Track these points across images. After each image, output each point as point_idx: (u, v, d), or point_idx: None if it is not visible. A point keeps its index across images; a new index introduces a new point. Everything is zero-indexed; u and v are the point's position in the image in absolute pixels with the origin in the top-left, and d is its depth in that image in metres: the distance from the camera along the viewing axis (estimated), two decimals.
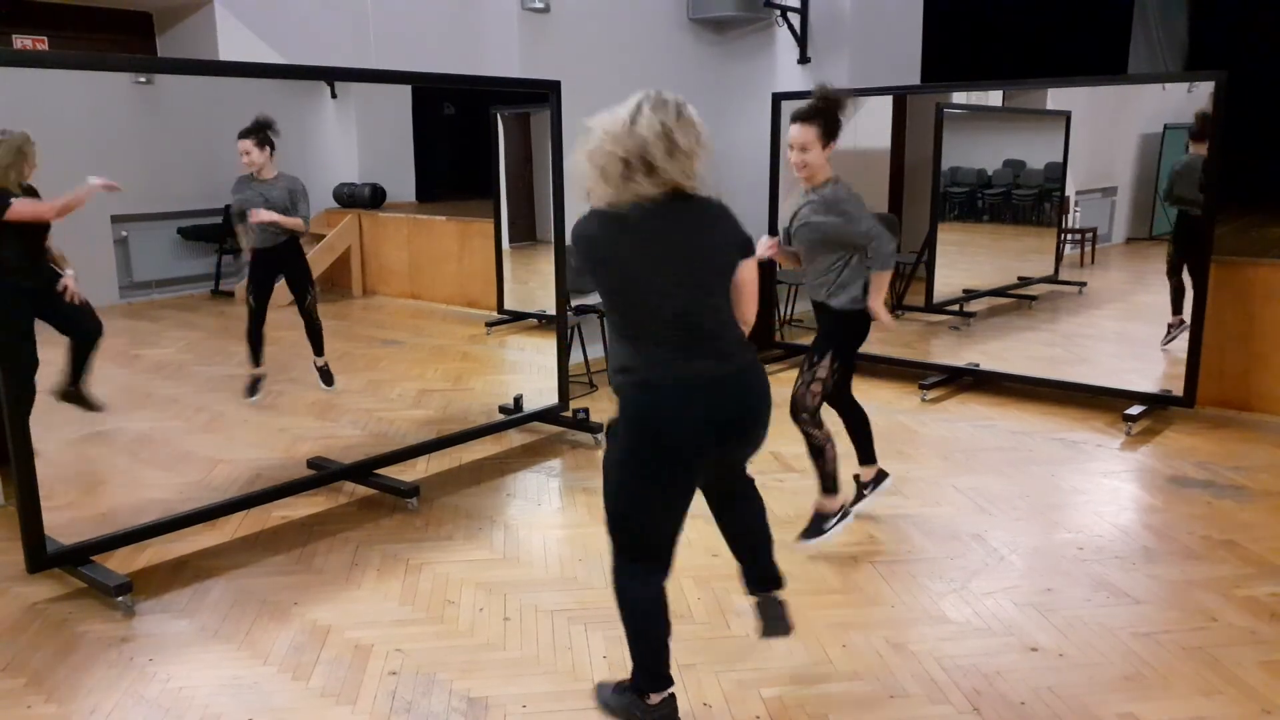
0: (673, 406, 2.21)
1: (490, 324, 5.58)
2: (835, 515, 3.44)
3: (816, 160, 3.23)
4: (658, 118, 2.27)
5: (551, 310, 4.91)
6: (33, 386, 3.46)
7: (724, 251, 2.31)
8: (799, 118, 3.25)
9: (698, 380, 2.23)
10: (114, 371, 3.96)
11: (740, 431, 2.42)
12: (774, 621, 2.62)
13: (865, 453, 3.73)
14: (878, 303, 3.37)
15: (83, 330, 3.75)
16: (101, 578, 3.14)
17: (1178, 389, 4.89)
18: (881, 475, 3.77)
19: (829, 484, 3.44)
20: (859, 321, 3.45)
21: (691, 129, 2.26)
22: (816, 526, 3.44)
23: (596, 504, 3.94)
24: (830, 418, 3.51)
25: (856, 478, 3.74)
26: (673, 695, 2.41)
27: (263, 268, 4.22)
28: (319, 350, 4.51)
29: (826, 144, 3.22)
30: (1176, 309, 5.20)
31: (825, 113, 3.20)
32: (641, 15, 6.27)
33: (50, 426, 3.74)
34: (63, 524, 3.32)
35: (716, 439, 2.32)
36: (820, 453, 3.41)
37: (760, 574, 2.65)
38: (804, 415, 3.37)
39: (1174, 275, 5.22)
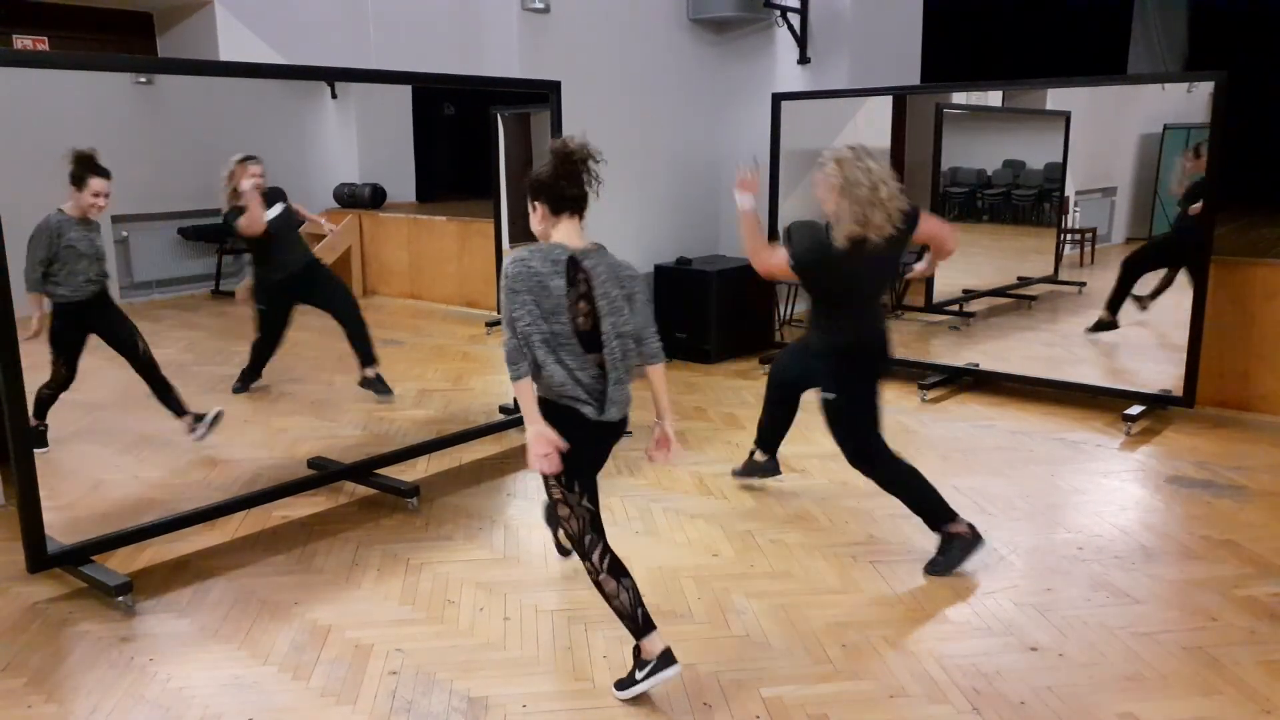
0: None
1: (490, 324, 5.58)
2: None
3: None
4: None
5: None
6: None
7: None
8: None
9: None
10: (115, 372, 3.96)
11: None
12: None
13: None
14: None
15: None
16: (102, 577, 3.14)
17: (1177, 389, 4.89)
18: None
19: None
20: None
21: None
22: None
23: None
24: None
25: None
26: (972, 525, 3.30)
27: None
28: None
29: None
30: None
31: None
32: (641, 15, 6.27)
33: (51, 427, 3.75)
34: (63, 524, 3.32)
35: None
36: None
37: None
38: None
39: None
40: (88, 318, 3.75)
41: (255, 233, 4.09)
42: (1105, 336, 5.92)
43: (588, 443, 2.58)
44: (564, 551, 3.36)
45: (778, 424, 4.03)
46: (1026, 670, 2.71)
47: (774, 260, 3.34)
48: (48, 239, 3.52)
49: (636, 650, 2.59)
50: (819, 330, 3.43)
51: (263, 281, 4.23)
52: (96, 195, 3.54)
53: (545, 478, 2.58)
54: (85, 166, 3.52)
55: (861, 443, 3.37)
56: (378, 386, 4.38)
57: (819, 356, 3.41)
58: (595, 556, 2.58)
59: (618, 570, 2.59)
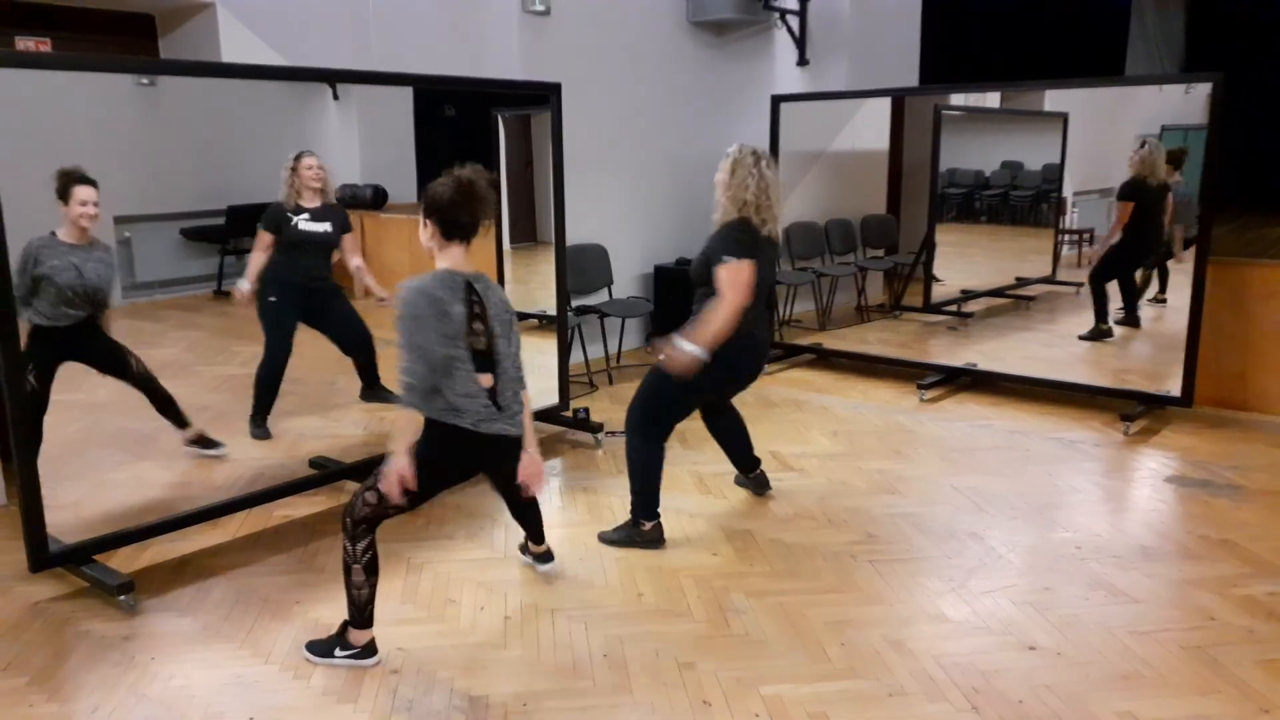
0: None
1: None
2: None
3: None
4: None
5: (552, 310, 4.93)
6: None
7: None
8: None
9: None
10: None
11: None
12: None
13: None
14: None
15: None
16: (104, 577, 3.15)
17: (1175, 389, 4.91)
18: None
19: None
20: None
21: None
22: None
23: (596, 503, 3.97)
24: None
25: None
26: (660, 524, 3.53)
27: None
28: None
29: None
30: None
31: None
32: (641, 18, 6.29)
33: (52, 426, 3.76)
34: (65, 523, 3.33)
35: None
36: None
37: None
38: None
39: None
40: (64, 345, 3.57)
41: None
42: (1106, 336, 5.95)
43: (464, 461, 2.78)
44: (526, 551, 3.40)
45: (731, 445, 4.02)
46: (1025, 669, 2.72)
47: (728, 277, 3.29)
48: (20, 265, 3.31)
49: (344, 629, 2.78)
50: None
51: (271, 279, 4.14)
52: (84, 204, 3.41)
53: (386, 470, 2.63)
54: (68, 178, 3.41)
55: (657, 410, 3.53)
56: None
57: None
58: (361, 546, 2.70)
59: (372, 568, 2.73)
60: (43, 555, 3.12)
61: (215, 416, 4.40)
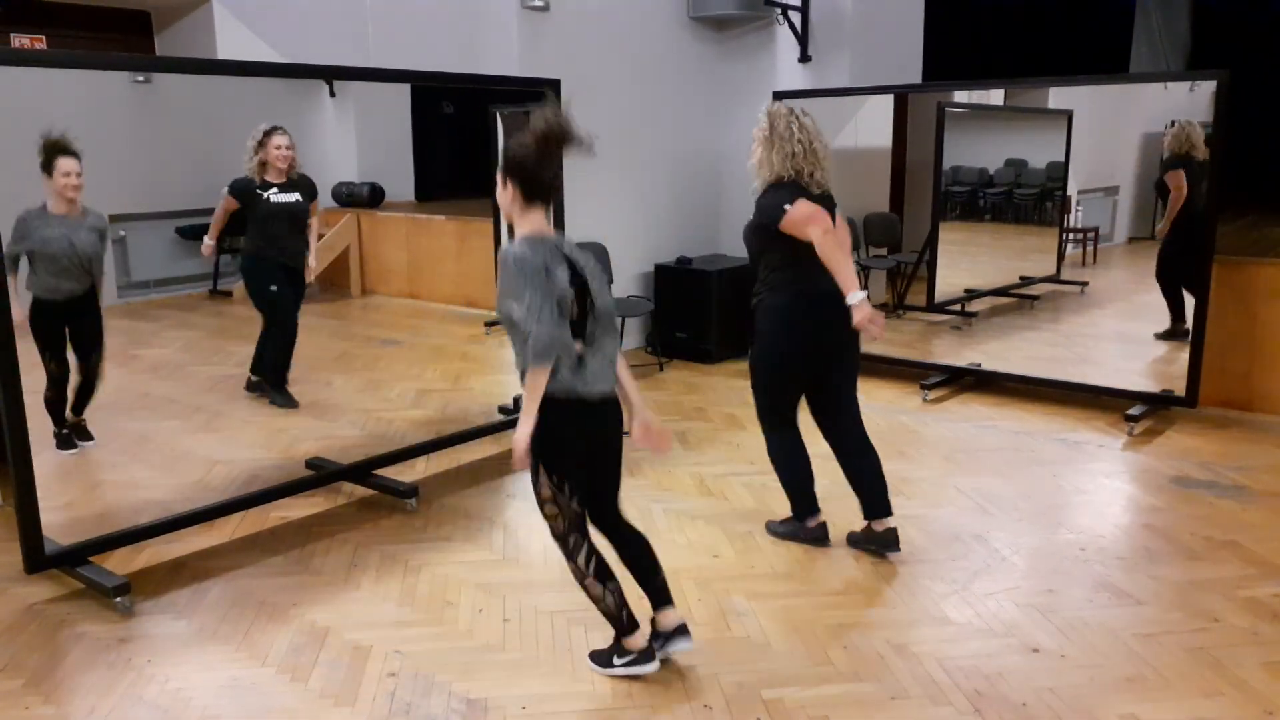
0: None
1: (489, 324, 5.57)
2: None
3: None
4: None
5: None
6: None
7: None
8: None
9: None
10: (112, 371, 3.95)
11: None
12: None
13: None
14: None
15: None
16: (100, 578, 3.13)
17: (1180, 389, 4.87)
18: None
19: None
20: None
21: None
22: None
23: None
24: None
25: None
26: (824, 522, 3.48)
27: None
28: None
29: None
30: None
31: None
32: (641, 13, 6.25)
33: (50, 427, 3.74)
34: (61, 524, 3.31)
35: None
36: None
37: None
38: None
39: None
40: (63, 317, 3.68)
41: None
42: (1107, 336, 5.91)
43: (580, 435, 2.53)
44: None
45: (856, 480, 3.56)
46: (1028, 671, 2.70)
47: (813, 215, 3.06)
48: (14, 235, 3.40)
49: (618, 639, 2.64)
50: (769, 292, 3.27)
51: (255, 260, 4.12)
52: (66, 175, 3.42)
53: (535, 476, 2.54)
54: (52, 150, 3.41)
55: (767, 405, 3.40)
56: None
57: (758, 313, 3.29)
58: (581, 559, 2.57)
59: (604, 574, 2.59)
60: (38, 557, 3.10)
61: (211, 417, 4.39)
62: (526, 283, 2.34)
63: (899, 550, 3.40)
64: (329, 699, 2.61)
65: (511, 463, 2.50)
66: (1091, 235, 6.20)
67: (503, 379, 5.31)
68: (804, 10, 6.45)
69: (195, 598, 3.18)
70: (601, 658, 2.71)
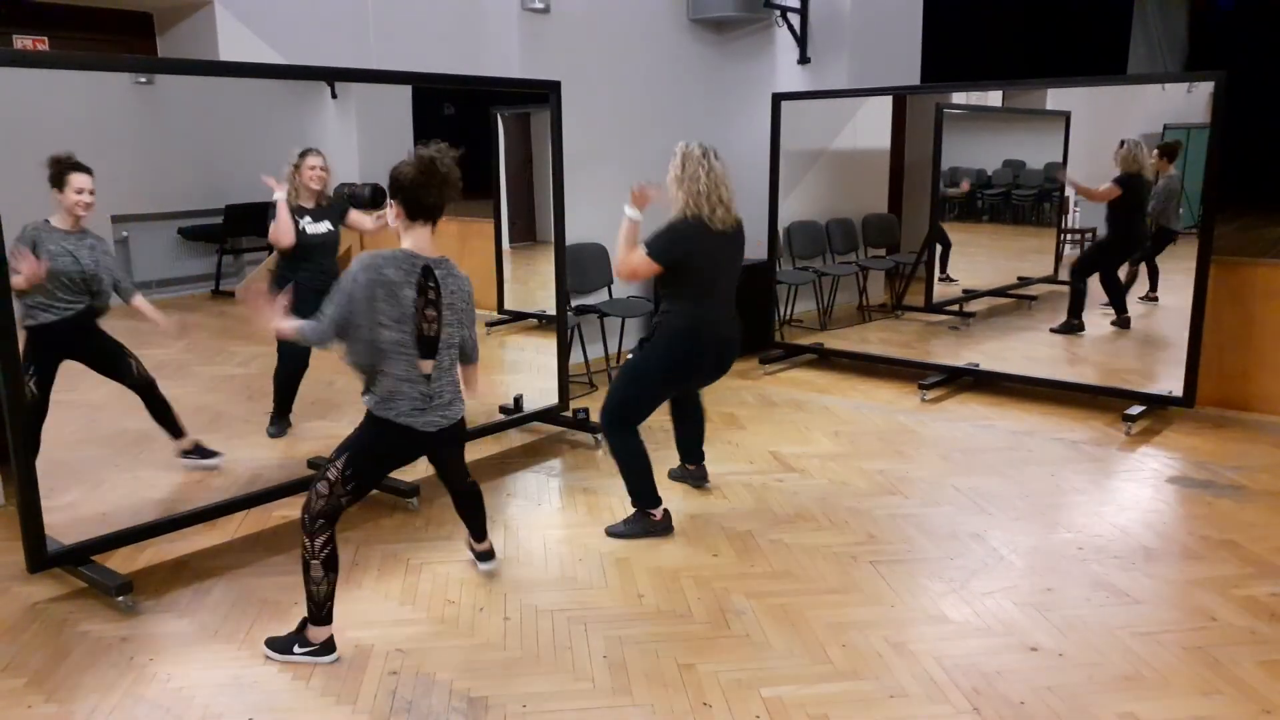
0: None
1: (490, 324, 5.58)
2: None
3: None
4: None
5: (551, 310, 4.92)
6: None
7: None
8: None
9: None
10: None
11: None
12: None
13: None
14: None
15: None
16: (102, 577, 3.14)
17: (1177, 389, 4.89)
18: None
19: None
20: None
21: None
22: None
23: (596, 504, 3.95)
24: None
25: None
26: (667, 511, 3.64)
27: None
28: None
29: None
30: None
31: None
32: (641, 15, 6.27)
33: (49, 427, 3.74)
34: (63, 524, 3.32)
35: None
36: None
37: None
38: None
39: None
40: (64, 342, 3.55)
41: (282, 245, 4.00)
42: (1105, 336, 5.93)
43: (400, 451, 2.82)
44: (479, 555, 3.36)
45: (685, 432, 4.09)
46: (1026, 670, 2.71)
47: (634, 258, 3.48)
48: (27, 247, 3.32)
49: (303, 626, 2.79)
50: (664, 315, 3.58)
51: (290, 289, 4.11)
52: (80, 192, 3.40)
53: (333, 458, 2.73)
54: (63, 165, 3.40)
55: (625, 405, 3.61)
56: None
57: (656, 331, 3.59)
58: (319, 541, 2.71)
59: (331, 564, 2.73)
60: (41, 556, 3.11)
61: (213, 418, 4.39)
62: (338, 295, 2.60)
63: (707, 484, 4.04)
64: (330, 697, 2.62)
65: (242, 302, 2.72)
66: (1089, 236, 6.22)
67: (503, 379, 5.33)
68: (803, 12, 6.47)
69: (197, 597, 3.19)
70: (280, 644, 2.80)
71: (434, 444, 2.85)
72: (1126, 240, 5.53)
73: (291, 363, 4.18)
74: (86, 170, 3.45)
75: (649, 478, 3.62)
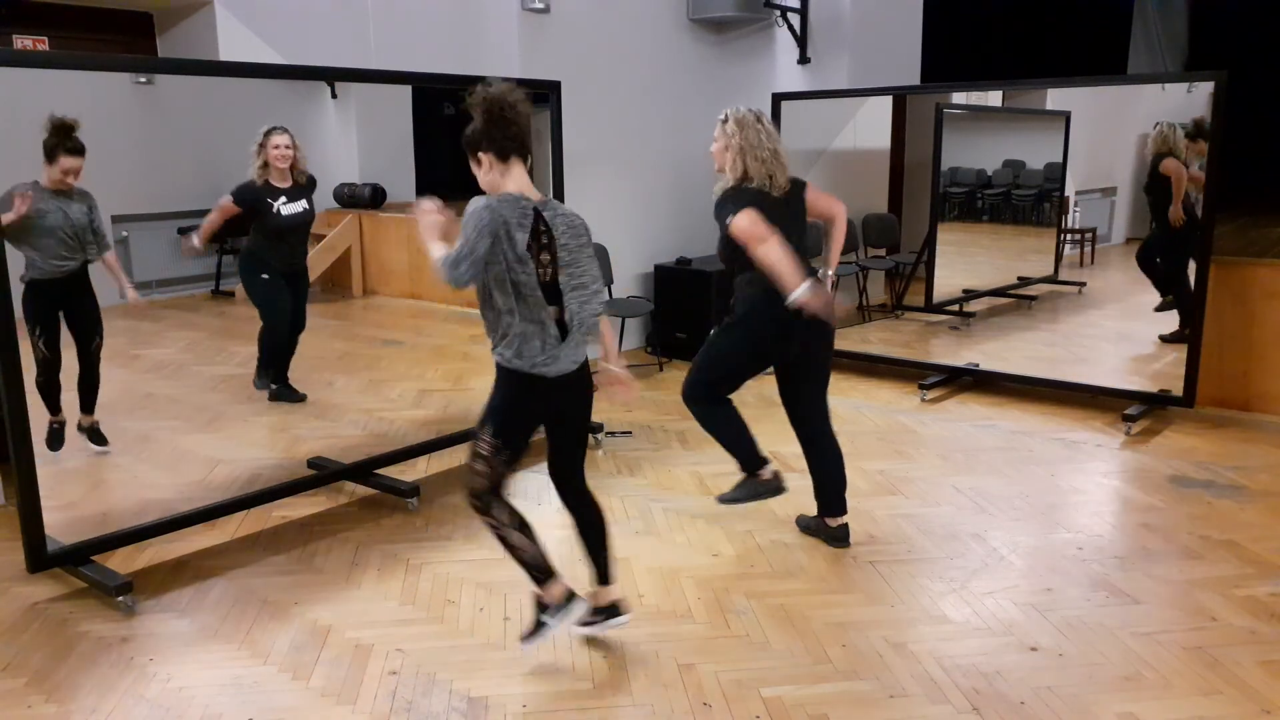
0: None
1: None
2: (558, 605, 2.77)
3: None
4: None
5: None
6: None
7: None
8: None
9: None
10: (114, 371, 3.96)
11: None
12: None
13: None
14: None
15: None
16: (102, 577, 3.14)
17: (1177, 389, 4.89)
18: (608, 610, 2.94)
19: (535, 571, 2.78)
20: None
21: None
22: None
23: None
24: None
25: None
26: (777, 472, 3.45)
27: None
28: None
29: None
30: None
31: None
32: (641, 15, 6.27)
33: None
34: (63, 524, 3.32)
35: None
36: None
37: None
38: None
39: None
40: (60, 296, 3.68)
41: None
42: (1105, 337, 5.93)
43: (535, 402, 2.63)
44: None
45: (819, 477, 3.67)
46: (1026, 670, 2.71)
47: (753, 230, 3.15)
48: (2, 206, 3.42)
49: (539, 602, 2.72)
50: (741, 287, 3.37)
51: (258, 261, 4.11)
52: (66, 173, 3.46)
53: (480, 430, 2.62)
54: (59, 140, 3.43)
55: (709, 385, 3.45)
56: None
57: (736, 305, 3.39)
58: (500, 513, 2.64)
59: (522, 524, 2.67)
60: (41, 555, 3.11)
61: (213, 418, 4.40)
62: (466, 232, 2.45)
63: (848, 545, 3.52)
64: (331, 697, 2.62)
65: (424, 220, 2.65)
66: (1089, 236, 6.22)
67: None
68: (803, 12, 6.47)
69: (197, 596, 3.19)
70: (532, 632, 2.72)
71: (559, 394, 2.62)
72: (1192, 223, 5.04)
73: (270, 318, 4.14)
74: (78, 152, 3.48)
75: (746, 440, 3.43)
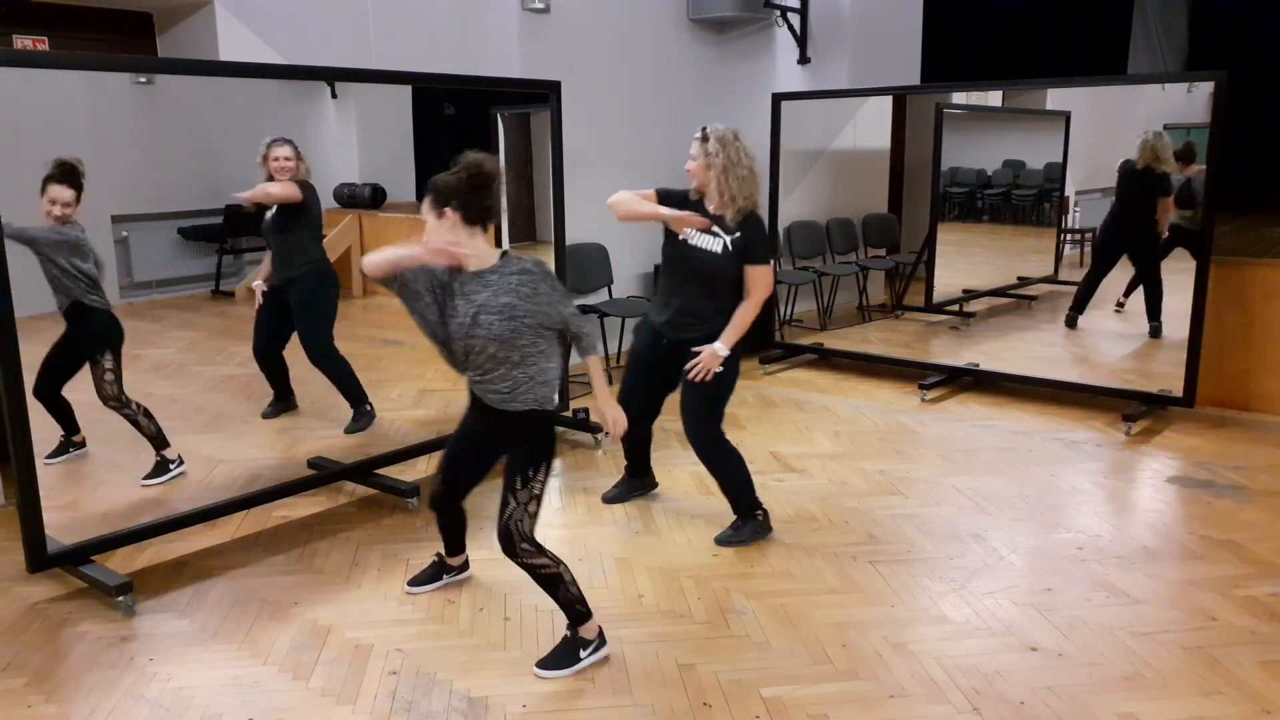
0: None
1: None
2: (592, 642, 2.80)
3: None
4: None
5: None
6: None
7: None
8: None
9: None
10: None
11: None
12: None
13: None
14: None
15: None
16: (102, 577, 3.14)
17: (1177, 389, 4.89)
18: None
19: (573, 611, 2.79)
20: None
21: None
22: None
23: (596, 504, 3.95)
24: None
25: None
26: (766, 510, 3.59)
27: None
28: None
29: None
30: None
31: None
32: (641, 15, 6.27)
33: (49, 425, 3.75)
34: (63, 524, 3.32)
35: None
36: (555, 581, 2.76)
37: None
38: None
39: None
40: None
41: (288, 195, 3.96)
42: (1105, 336, 5.93)
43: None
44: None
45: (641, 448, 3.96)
46: (1026, 670, 2.71)
47: (770, 281, 3.42)
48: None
49: (575, 634, 2.75)
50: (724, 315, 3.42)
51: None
52: (53, 203, 3.42)
53: (536, 473, 2.72)
54: (53, 173, 3.40)
55: (715, 421, 3.52)
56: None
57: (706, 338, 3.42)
58: (550, 554, 2.73)
59: (560, 561, 2.74)
60: (41, 556, 3.11)
61: (213, 418, 4.40)
62: (565, 293, 2.72)
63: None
64: (330, 697, 2.62)
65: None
66: (1089, 236, 6.22)
67: None
68: (803, 12, 6.47)
69: (197, 597, 3.20)
70: (558, 661, 2.72)
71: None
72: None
73: (256, 340, 4.14)
74: (73, 185, 3.43)
75: (750, 487, 3.56)
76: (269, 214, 4.06)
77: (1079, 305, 5.78)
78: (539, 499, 2.71)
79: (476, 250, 2.64)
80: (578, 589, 2.75)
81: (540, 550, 2.70)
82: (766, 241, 3.41)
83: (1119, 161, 5.44)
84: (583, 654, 2.74)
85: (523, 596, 3.17)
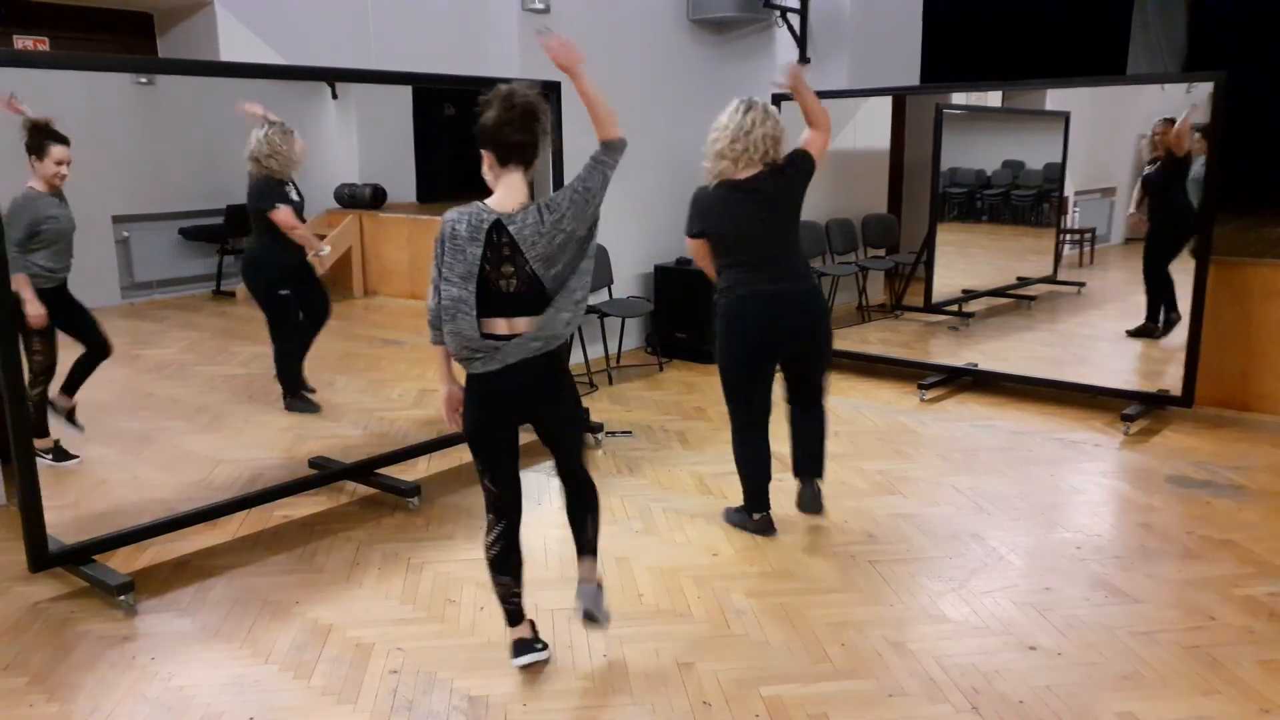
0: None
1: None
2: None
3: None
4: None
5: None
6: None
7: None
8: None
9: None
10: (115, 371, 3.96)
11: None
12: (810, 501, 3.59)
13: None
14: None
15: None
16: (103, 577, 3.15)
17: (1176, 389, 4.90)
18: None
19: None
20: None
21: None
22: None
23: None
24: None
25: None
26: (769, 515, 3.57)
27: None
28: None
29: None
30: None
31: None
32: (641, 16, 6.28)
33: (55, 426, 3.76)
34: (64, 523, 3.33)
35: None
36: None
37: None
38: None
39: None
40: (55, 303, 3.66)
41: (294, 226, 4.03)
42: (1104, 337, 5.93)
43: (486, 417, 2.57)
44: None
45: (797, 444, 3.71)
46: (1025, 670, 2.72)
47: (696, 254, 3.53)
48: (30, 216, 3.40)
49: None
50: (715, 296, 3.51)
51: (278, 281, 4.14)
52: (59, 163, 3.42)
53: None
54: (44, 134, 3.41)
55: (729, 403, 3.53)
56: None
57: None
58: (489, 539, 2.70)
59: (498, 566, 2.70)
60: (42, 555, 3.12)
61: (213, 418, 4.41)
62: (435, 251, 2.44)
63: (820, 513, 3.66)
64: (331, 696, 2.63)
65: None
66: (1088, 236, 6.23)
67: None
68: (803, 12, 6.47)
69: (198, 596, 3.20)
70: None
71: (515, 381, 2.53)
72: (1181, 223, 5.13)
73: (293, 339, 4.17)
74: (64, 141, 3.46)
75: (755, 482, 3.57)
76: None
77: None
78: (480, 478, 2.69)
79: (507, 194, 2.43)
80: (500, 592, 2.76)
81: (486, 529, 2.74)
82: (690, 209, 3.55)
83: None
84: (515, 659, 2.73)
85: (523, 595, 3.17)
